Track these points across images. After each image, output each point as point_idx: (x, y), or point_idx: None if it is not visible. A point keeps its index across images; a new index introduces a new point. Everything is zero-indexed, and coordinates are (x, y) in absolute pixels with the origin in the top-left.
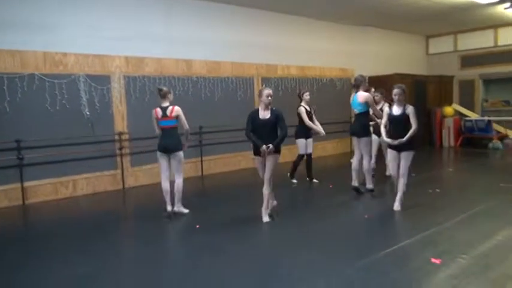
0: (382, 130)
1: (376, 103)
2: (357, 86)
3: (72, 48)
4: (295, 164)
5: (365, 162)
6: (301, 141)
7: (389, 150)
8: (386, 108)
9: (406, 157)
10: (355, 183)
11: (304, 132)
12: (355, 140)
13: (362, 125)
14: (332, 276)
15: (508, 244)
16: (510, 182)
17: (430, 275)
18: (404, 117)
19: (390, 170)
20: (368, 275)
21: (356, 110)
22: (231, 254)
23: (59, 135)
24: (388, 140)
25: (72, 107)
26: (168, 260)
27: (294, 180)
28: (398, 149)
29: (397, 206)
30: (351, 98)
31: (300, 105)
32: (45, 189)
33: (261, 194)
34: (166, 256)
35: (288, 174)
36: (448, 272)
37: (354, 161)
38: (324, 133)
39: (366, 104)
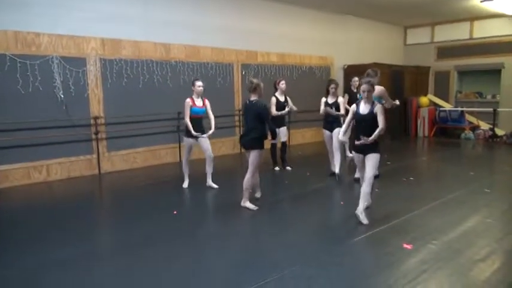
0: (343, 129)
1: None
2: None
3: (45, 29)
4: (271, 153)
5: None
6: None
7: (353, 153)
8: (353, 106)
9: (370, 160)
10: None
11: (276, 121)
12: None
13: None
14: (307, 261)
15: (476, 230)
16: (480, 171)
17: (401, 260)
18: (373, 116)
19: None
20: (342, 260)
21: None
22: (207, 238)
23: (31, 118)
24: (343, 138)
25: (46, 90)
26: (144, 246)
27: (276, 168)
28: (363, 151)
29: (363, 218)
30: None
31: (273, 95)
32: (17, 173)
33: (239, 180)
34: (142, 242)
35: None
36: (419, 257)
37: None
38: (295, 108)
39: (379, 97)
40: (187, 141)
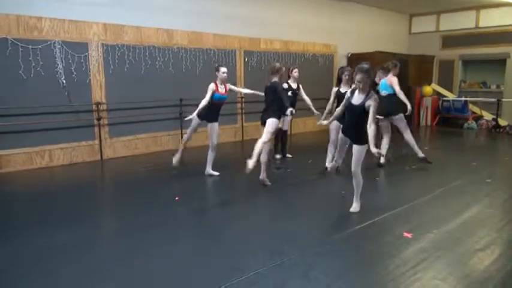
0: (333, 117)
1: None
2: (388, 70)
3: (48, 13)
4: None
5: (406, 136)
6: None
7: (341, 136)
8: (347, 92)
9: (356, 151)
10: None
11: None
12: (385, 121)
13: (390, 104)
14: (307, 249)
15: (477, 220)
16: (482, 161)
17: (401, 248)
18: (363, 108)
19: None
20: (343, 248)
21: (385, 92)
22: (208, 225)
23: (33, 104)
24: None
25: (48, 75)
26: (145, 232)
27: (277, 156)
28: (350, 138)
29: (354, 207)
30: (380, 82)
31: (285, 82)
32: (19, 158)
33: (240, 167)
34: (143, 228)
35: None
36: (418, 245)
37: (383, 143)
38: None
39: (391, 86)
40: (196, 120)
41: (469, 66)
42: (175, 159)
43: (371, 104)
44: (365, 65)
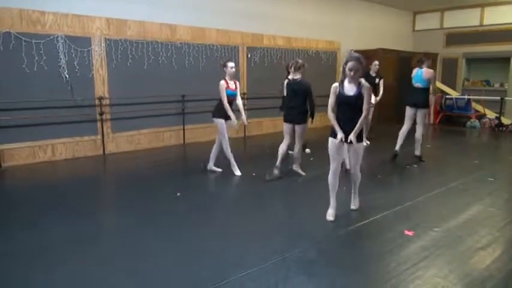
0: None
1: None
2: (421, 63)
3: (51, 7)
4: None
5: (418, 131)
6: None
7: (331, 140)
8: (334, 86)
9: (357, 149)
10: (397, 147)
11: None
12: (410, 110)
13: (424, 97)
14: (309, 245)
15: (478, 219)
16: (484, 159)
17: (402, 246)
18: (360, 98)
19: (347, 164)
20: (344, 245)
21: (419, 85)
22: (209, 220)
23: (36, 98)
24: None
25: (51, 69)
26: (146, 227)
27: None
28: (347, 139)
29: (355, 204)
30: (413, 73)
31: (286, 78)
32: (22, 152)
33: (243, 163)
34: (144, 223)
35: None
36: (420, 243)
37: (403, 129)
38: None
39: (429, 80)
40: (220, 121)
41: (473, 64)
42: (236, 171)
43: (365, 90)
44: (356, 54)
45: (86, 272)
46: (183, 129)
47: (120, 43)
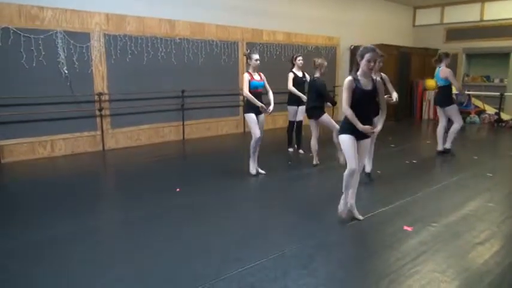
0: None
1: None
2: (439, 61)
3: (49, 2)
4: (288, 132)
5: (453, 125)
6: (291, 108)
7: (347, 137)
8: (348, 80)
9: (367, 144)
10: (440, 147)
11: (296, 99)
12: (438, 109)
13: (444, 96)
14: (307, 240)
15: (477, 214)
16: (483, 155)
17: (401, 241)
18: (376, 92)
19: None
20: (343, 240)
21: (439, 84)
22: (209, 216)
23: (35, 93)
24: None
25: (50, 65)
26: (146, 223)
27: (290, 149)
28: (363, 135)
29: (356, 211)
30: (435, 72)
31: (291, 71)
32: (21, 148)
33: (242, 159)
34: (143, 219)
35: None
36: (418, 238)
37: (439, 127)
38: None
39: (446, 78)
40: (251, 117)
41: (473, 59)
42: (253, 170)
43: (380, 86)
44: (371, 45)
45: (86, 268)
46: (183, 125)
47: (119, 38)
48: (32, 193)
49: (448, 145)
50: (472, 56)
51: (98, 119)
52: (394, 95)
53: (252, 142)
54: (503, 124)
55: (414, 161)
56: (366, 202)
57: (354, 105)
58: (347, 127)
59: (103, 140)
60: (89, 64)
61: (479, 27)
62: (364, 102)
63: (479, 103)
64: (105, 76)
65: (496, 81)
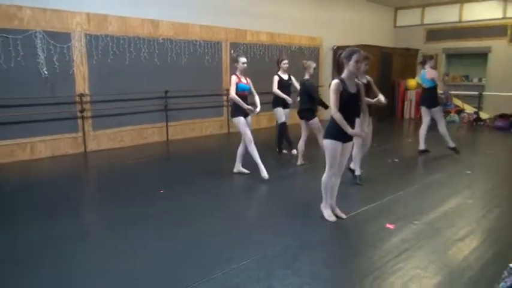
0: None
1: None
2: (424, 63)
3: (28, 1)
4: (279, 133)
5: (439, 126)
6: (278, 110)
7: (334, 143)
8: (335, 83)
9: (351, 145)
10: (421, 146)
11: (281, 101)
12: (423, 110)
13: (430, 98)
14: (291, 240)
15: (457, 211)
16: (462, 153)
17: (384, 239)
18: (360, 94)
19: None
20: (326, 239)
21: (425, 85)
22: (193, 218)
23: (14, 94)
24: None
25: (29, 65)
26: (130, 225)
27: (284, 151)
28: (348, 138)
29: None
30: (420, 74)
31: (276, 74)
32: None
33: (227, 159)
34: (127, 221)
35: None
36: (401, 236)
37: (422, 127)
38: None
39: (433, 79)
40: (240, 120)
41: (452, 59)
42: (264, 173)
43: (361, 88)
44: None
45: (72, 273)
46: (166, 126)
47: (100, 39)
48: (10, 197)
49: (451, 144)
50: (452, 56)
51: (80, 121)
52: (381, 98)
53: (247, 146)
54: (482, 123)
55: (396, 160)
56: (349, 201)
57: (341, 107)
58: (334, 132)
59: (85, 142)
60: (70, 65)
61: (458, 28)
62: (351, 105)
63: (458, 102)
64: (87, 77)
65: (475, 80)
